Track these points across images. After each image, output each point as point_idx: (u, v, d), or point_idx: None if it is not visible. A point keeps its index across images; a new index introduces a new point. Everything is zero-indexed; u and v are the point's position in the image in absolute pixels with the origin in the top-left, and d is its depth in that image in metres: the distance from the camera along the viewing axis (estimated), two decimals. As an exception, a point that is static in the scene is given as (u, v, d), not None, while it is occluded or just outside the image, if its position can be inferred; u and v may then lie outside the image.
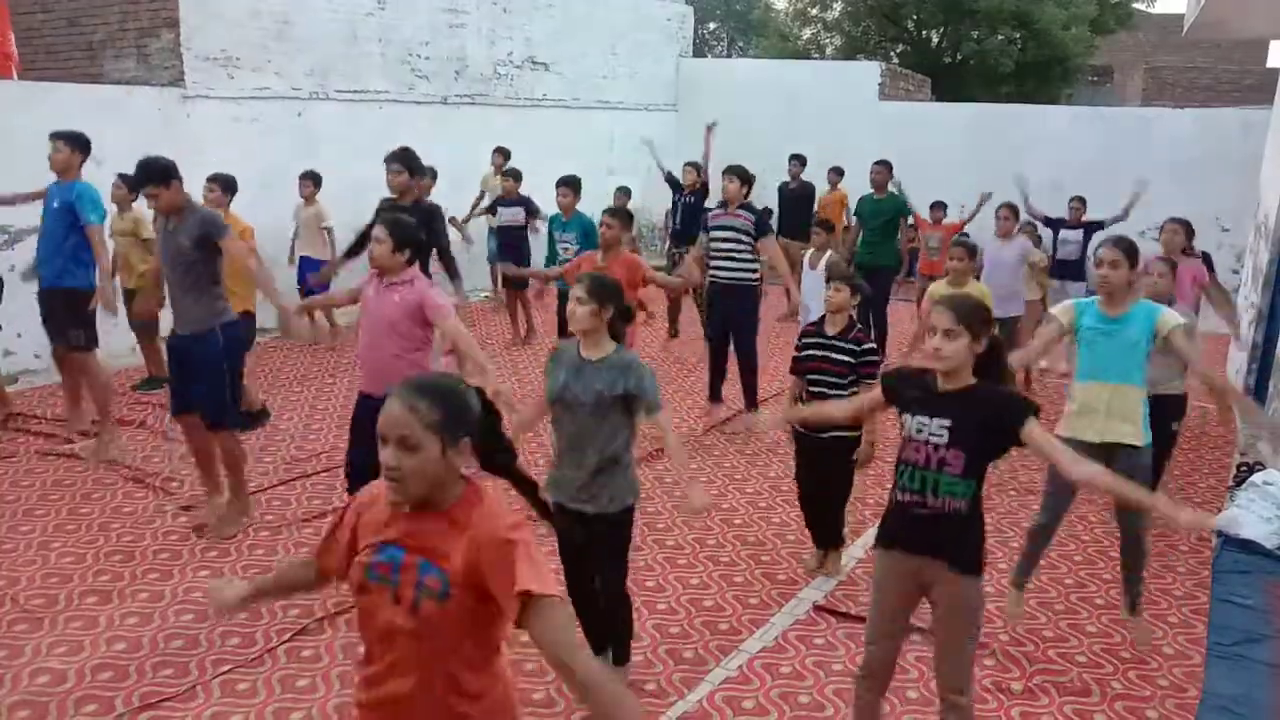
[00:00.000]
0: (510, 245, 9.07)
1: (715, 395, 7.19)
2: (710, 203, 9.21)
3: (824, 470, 4.74)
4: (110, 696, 3.66)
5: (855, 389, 4.58)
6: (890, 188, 8.94)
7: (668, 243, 8.61)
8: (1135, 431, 3.98)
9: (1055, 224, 8.80)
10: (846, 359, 4.63)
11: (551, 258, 7.83)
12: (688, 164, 9.17)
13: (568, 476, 3.58)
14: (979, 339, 2.84)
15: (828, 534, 4.89)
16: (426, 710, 1.94)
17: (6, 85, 7.73)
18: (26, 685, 3.71)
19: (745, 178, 6.78)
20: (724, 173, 6.81)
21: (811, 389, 4.68)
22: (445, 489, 1.94)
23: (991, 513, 5.65)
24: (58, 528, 5.07)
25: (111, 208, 7.01)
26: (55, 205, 5.71)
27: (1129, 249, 3.98)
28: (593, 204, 9.13)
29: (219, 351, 4.87)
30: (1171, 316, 3.96)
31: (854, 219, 9.28)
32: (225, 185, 6.76)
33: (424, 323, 4.29)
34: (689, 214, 8.48)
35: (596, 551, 3.66)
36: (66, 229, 5.71)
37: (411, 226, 4.39)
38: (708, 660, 4.06)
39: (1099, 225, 8.54)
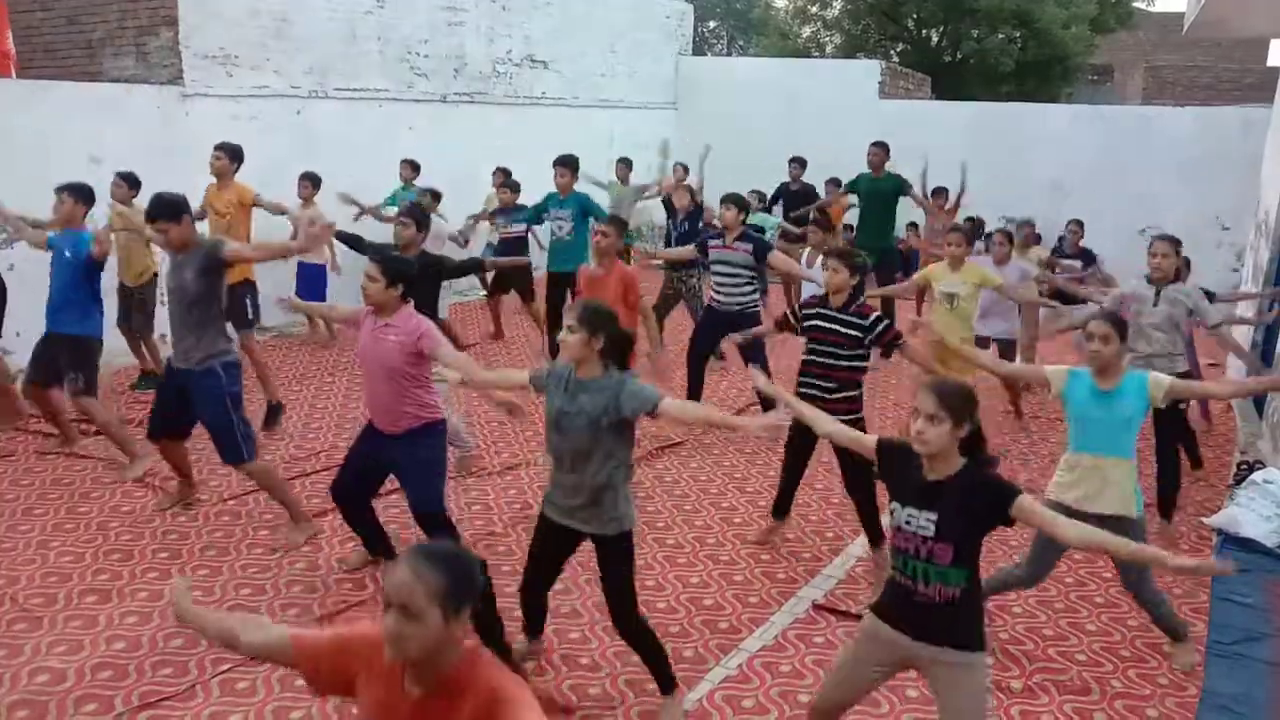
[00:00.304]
0: (513, 254, 8.99)
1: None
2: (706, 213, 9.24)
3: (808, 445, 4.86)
4: (110, 695, 3.66)
5: (861, 361, 4.68)
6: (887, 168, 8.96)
7: (667, 269, 8.57)
8: (1125, 504, 3.94)
9: (1053, 252, 8.70)
10: (854, 333, 4.64)
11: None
12: (678, 163, 9.10)
13: (562, 498, 3.53)
14: (961, 425, 2.76)
15: (870, 529, 4.87)
16: None
17: (6, 84, 7.72)
18: (26, 684, 3.71)
19: (743, 205, 6.73)
20: (722, 201, 6.76)
21: (813, 358, 4.76)
22: (445, 655, 1.96)
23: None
24: (57, 527, 5.07)
25: (109, 206, 7.04)
26: (67, 255, 5.64)
27: (1119, 322, 3.98)
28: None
29: (220, 390, 4.80)
30: (1159, 381, 3.92)
31: (850, 196, 9.25)
32: (232, 154, 7.00)
33: (422, 358, 4.22)
34: (683, 242, 8.41)
35: (604, 579, 3.57)
36: (78, 279, 5.62)
37: (403, 261, 4.42)
38: (708, 659, 4.06)
39: (1094, 257, 8.43)
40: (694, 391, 6.96)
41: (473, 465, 6.01)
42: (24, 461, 5.93)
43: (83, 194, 5.80)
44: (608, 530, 3.50)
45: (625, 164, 9.58)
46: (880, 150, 9.01)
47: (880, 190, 8.84)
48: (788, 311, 5.04)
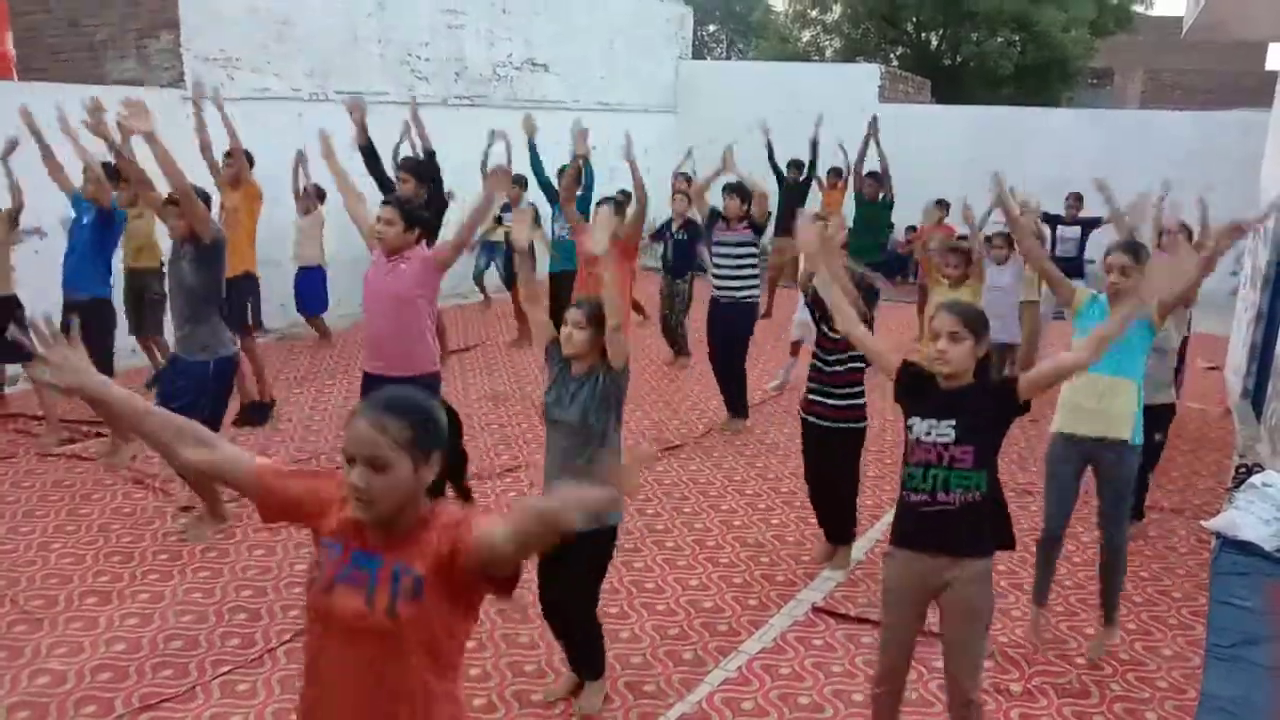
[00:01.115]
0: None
1: (734, 408, 7.14)
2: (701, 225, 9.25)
3: (828, 458, 4.84)
4: (110, 697, 3.66)
5: (858, 362, 4.71)
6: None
7: (663, 274, 8.56)
8: (1127, 427, 3.97)
9: (1053, 221, 8.76)
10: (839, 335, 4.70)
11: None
12: (678, 172, 9.06)
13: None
14: (980, 343, 2.96)
15: (838, 528, 4.93)
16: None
17: (7, 86, 7.73)
18: (26, 686, 3.71)
19: (745, 196, 6.81)
20: (724, 190, 6.87)
21: (813, 362, 4.85)
22: (414, 507, 1.91)
23: (991, 514, 5.67)
24: (57, 529, 5.07)
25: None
26: (85, 221, 5.94)
27: (1139, 253, 3.98)
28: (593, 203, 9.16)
29: (205, 381, 4.83)
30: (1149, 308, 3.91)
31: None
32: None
33: (433, 287, 4.40)
34: (679, 250, 8.42)
35: (573, 569, 3.54)
36: (98, 245, 5.96)
37: (419, 206, 4.49)
38: (707, 661, 4.06)
39: (1096, 223, 8.51)
40: (725, 387, 7.09)
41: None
42: (25, 463, 5.93)
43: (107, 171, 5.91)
44: (592, 527, 3.45)
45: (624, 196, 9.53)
46: (874, 182, 9.50)
47: (872, 216, 9.07)
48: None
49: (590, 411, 3.43)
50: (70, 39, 9.39)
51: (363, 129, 6.00)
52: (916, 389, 3.08)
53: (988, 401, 2.99)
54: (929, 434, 2.99)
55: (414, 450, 1.85)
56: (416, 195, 5.80)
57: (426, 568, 1.86)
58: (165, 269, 5.45)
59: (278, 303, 9.35)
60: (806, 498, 5.15)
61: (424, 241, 4.53)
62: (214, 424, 4.87)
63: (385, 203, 4.41)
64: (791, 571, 4.89)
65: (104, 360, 5.75)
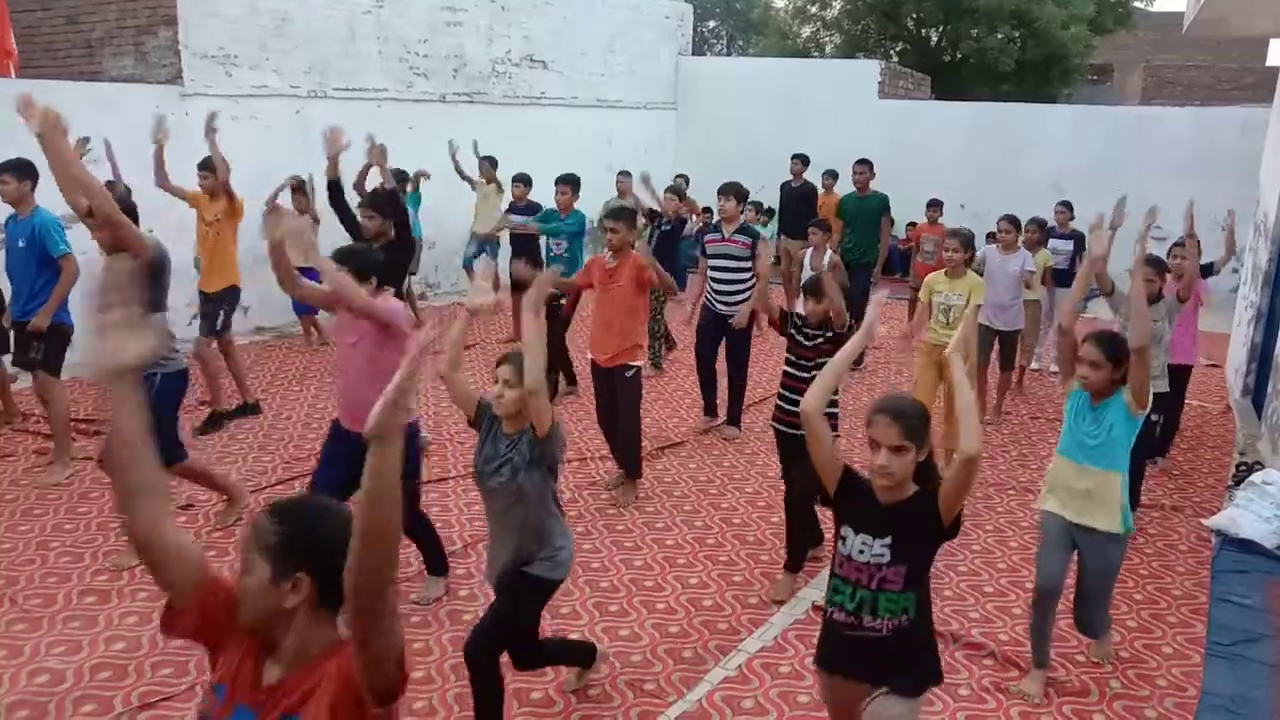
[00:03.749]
0: (524, 251, 8.91)
1: (711, 410, 7.05)
2: (689, 228, 9.17)
3: (802, 468, 4.77)
4: (109, 696, 3.66)
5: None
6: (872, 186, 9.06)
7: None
8: (1112, 519, 3.80)
9: (1045, 233, 8.68)
10: (822, 344, 4.75)
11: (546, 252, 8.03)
12: (669, 190, 8.95)
13: (497, 559, 3.36)
14: (922, 448, 2.66)
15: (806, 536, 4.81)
16: None
17: (4, 83, 7.71)
18: (25, 685, 3.71)
19: (741, 195, 6.66)
20: (719, 191, 6.70)
21: (788, 369, 4.88)
22: (297, 635, 1.71)
23: (991, 511, 5.67)
24: (56, 527, 5.06)
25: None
26: (21, 245, 5.49)
27: (1110, 348, 3.74)
28: (593, 202, 9.15)
29: (151, 395, 4.75)
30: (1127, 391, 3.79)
31: (840, 219, 9.26)
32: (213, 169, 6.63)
33: (391, 339, 4.09)
34: (664, 242, 8.31)
35: (497, 604, 3.40)
36: (39, 265, 5.53)
37: (371, 252, 4.36)
38: (707, 660, 4.06)
39: (1084, 239, 8.43)
40: (709, 392, 7.00)
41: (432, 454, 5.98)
42: (23, 462, 5.93)
43: (24, 171, 5.52)
44: (535, 572, 3.33)
45: (625, 175, 9.46)
46: (865, 169, 9.18)
47: (866, 208, 8.98)
48: (786, 313, 5.03)
49: (521, 472, 3.20)
50: (67, 36, 9.38)
51: (334, 163, 5.90)
52: (856, 499, 2.78)
53: (922, 520, 2.68)
54: (861, 553, 2.71)
55: (274, 558, 1.70)
56: (382, 231, 5.71)
57: (314, 712, 1.66)
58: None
59: (276, 302, 9.34)
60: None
61: (387, 289, 4.29)
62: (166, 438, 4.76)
63: (336, 259, 4.15)
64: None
65: (50, 363, 5.63)
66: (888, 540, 2.68)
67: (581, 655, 3.78)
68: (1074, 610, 4.05)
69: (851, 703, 2.78)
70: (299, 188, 8.39)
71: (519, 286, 9.00)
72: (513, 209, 8.93)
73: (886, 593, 2.68)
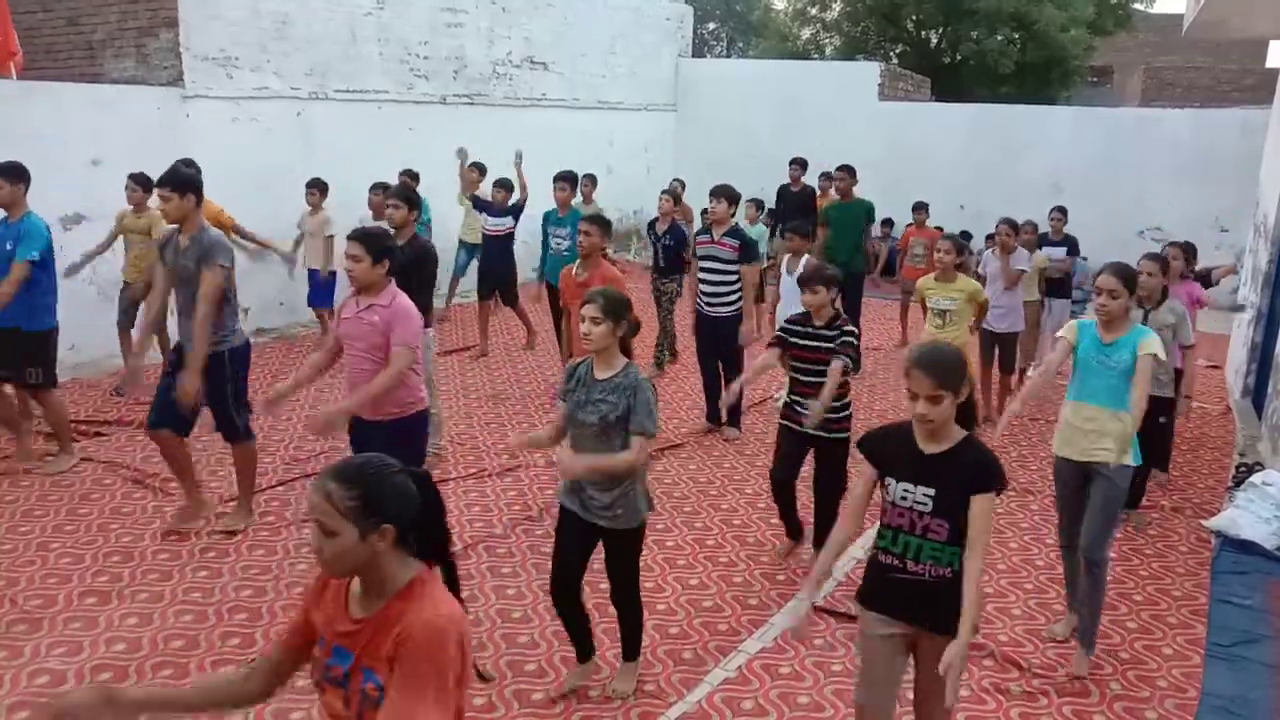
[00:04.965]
0: (496, 254, 8.78)
1: (714, 417, 6.97)
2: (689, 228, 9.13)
3: (799, 459, 4.92)
4: (109, 697, 3.65)
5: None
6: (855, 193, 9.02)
7: (652, 274, 8.48)
8: (1118, 449, 3.92)
9: (1039, 240, 8.66)
10: (829, 345, 4.71)
11: (544, 252, 8.04)
12: (665, 193, 8.91)
13: (581, 492, 3.57)
14: (960, 393, 2.72)
15: (822, 533, 4.88)
16: None
17: (6, 84, 7.73)
18: (25, 686, 3.71)
19: (733, 198, 6.63)
20: (711, 193, 6.66)
21: (799, 376, 4.82)
22: (380, 574, 1.92)
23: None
24: (56, 528, 5.07)
25: (128, 208, 7.09)
26: (9, 247, 5.44)
27: (1128, 277, 3.98)
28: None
29: (223, 376, 4.87)
30: (1151, 344, 3.92)
31: (822, 224, 9.17)
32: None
33: (409, 344, 4.12)
34: (668, 253, 8.30)
35: (608, 563, 3.69)
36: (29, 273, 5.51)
37: (384, 235, 4.33)
38: (707, 661, 4.06)
39: (1077, 245, 8.44)
40: (712, 398, 6.91)
41: (437, 465, 5.94)
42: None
43: (15, 174, 5.48)
44: (623, 525, 3.57)
45: (590, 180, 9.30)
46: (847, 175, 9.06)
47: (850, 215, 8.90)
48: (778, 334, 5.00)
49: (610, 415, 3.44)
50: (68, 38, 9.39)
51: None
52: (891, 449, 2.85)
53: (972, 471, 2.73)
54: (904, 499, 2.78)
55: (359, 518, 1.86)
56: (406, 221, 5.70)
57: (385, 673, 1.86)
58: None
59: (277, 301, 9.36)
60: (806, 499, 5.13)
61: (394, 283, 4.27)
62: (240, 405, 5.02)
63: (350, 237, 4.17)
64: (791, 571, 4.89)
65: (48, 380, 5.68)
66: (930, 491, 2.76)
67: (638, 641, 3.88)
68: (1081, 536, 4.11)
69: (889, 635, 2.89)
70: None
71: (484, 286, 8.93)
72: (491, 213, 8.71)
73: (931, 542, 2.78)
